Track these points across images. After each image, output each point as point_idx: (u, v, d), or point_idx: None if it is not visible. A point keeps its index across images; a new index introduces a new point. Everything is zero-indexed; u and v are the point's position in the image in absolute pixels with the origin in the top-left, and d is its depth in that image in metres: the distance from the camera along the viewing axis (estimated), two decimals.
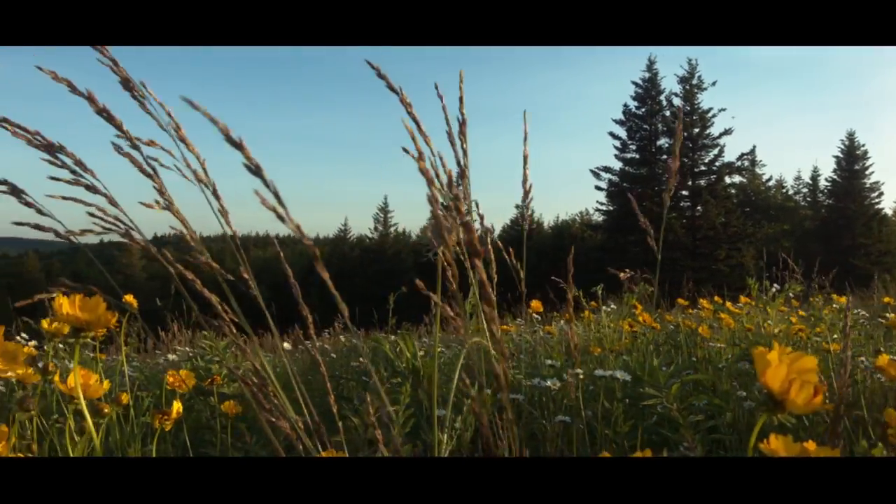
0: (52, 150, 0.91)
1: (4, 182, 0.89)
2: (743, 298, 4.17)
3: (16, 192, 0.90)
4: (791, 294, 3.80)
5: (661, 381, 1.99)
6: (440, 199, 0.86)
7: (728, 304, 4.12)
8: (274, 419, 0.90)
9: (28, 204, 0.90)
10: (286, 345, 4.53)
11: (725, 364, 2.78)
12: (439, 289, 0.95)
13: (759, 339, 3.34)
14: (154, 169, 0.93)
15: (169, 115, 0.93)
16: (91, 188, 0.92)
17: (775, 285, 3.88)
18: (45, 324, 2.16)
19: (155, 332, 6.40)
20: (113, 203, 0.93)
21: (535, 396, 2.39)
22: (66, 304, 1.02)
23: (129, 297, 2.40)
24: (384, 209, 46.50)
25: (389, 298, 3.89)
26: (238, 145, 0.79)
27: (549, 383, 2.23)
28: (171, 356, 4.76)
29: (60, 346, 2.60)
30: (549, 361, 2.68)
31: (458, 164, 1.11)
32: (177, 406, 1.66)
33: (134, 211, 0.95)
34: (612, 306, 4.25)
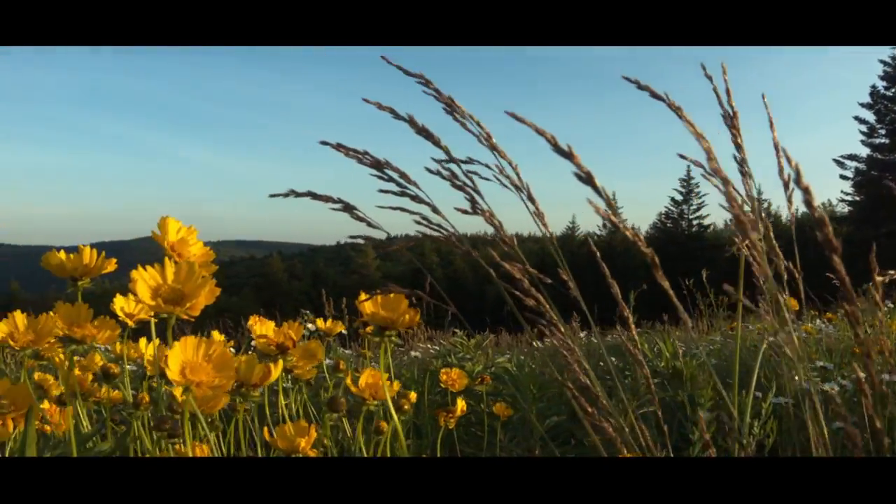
0: (379, 166, 0.96)
1: (339, 200, 0.94)
2: None
3: (348, 208, 0.95)
4: None
5: None
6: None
7: None
8: (598, 422, 0.88)
9: (359, 219, 0.95)
10: (536, 343, 4.55)
11: None
12: (741, 286, 0.91)
13: None
14: (472, 180, 0.95)
15: (479, 124, 0.95)
16: (416, 198, 0.95)
17: None
18: (319, 322, 2.27)
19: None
20: (436, 211, 0.96)
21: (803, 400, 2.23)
22: (369, 303, 1.06)
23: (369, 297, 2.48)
24: (612, 205, 45.72)
25: (630, 296, 3.82)
26: (567, 154, 0.78)
27: (827, 387, 2.09)
28: (413, 353, 4.86)
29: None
30: (819, 363, 2.52)
31: (735, 159, 1.05)
32: (461, 404, 1.69)
33: (452, 217, 0.94)
34: (890, 304, 3.93)
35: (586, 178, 0.78)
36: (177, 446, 1.07)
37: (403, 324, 1.06)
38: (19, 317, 1.16)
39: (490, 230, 1.01)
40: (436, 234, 0.96)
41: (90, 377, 1.32)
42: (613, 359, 3.34)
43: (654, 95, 0.96)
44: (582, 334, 5.20)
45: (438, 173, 0.95)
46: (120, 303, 1.27)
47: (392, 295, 1.04)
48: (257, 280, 60.06)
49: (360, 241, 0.97)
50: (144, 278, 0.93)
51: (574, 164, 0.78)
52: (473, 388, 2.44)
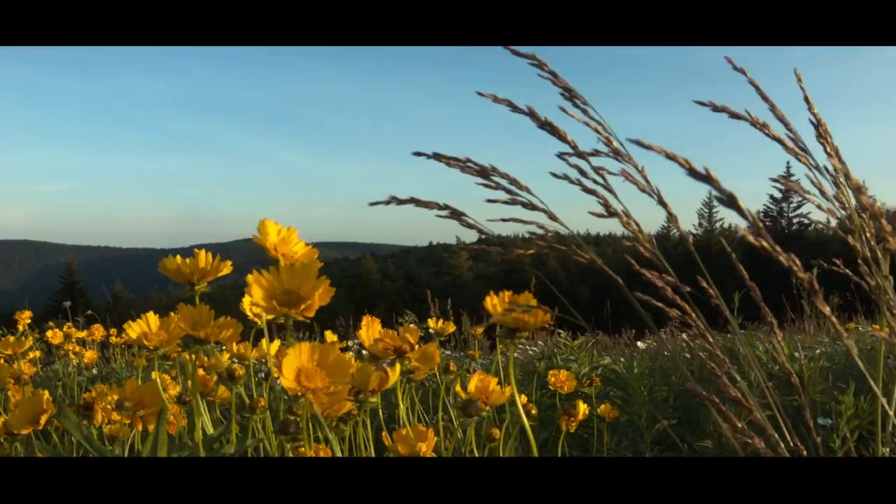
0: (485, 173, 0.92)
1: (446, 207, 0.91)
2: None
3: (456, 214, 0.91)
4: None
5: None
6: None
7: None
8: (749, 440, 0.84)
9: (469, 225, 0.91)
10: (640, 344, 4.49)
11: None
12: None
13: None
14: (604, 177, 0.91)
15: (597, 130, 0.92)
16: (528, 205, 0.91)
17: None
18: (431, 323, 2.27)
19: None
20: (553, 218, 0.91)
21: None
22: (498, 304, 1.05)
23: (492, 300, 2.47)
24: (708, 204, 44.91)
25: (734, 297, 3.71)
26: (706, 178, 0.75)
27: None
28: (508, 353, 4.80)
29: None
30: None
31: (826, 170, 0.99)
32: (583, 408, 1.67)
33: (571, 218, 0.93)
34: None
35: (729, 201, 0.75)
36: (300, 449, 1.08)
37: (535, 325, 1.04)
38: (152, 318, 1.20)
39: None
40: (555, 245, 0.91)
41: (214, 378, 1.36)
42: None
43: (734, 115, 0.91)
44: (683, 335, 5.10)
45: (566, 177, 0.91)
46: (248, 302, 1.30)
47: (524, 294, 1.02)
48: (351, 281, 60.65)
49: (475, 246, 0.94)
50: (259, 281, 0.93)
51: (715, 188, 0.75)
52: (581, 390, 2.41)
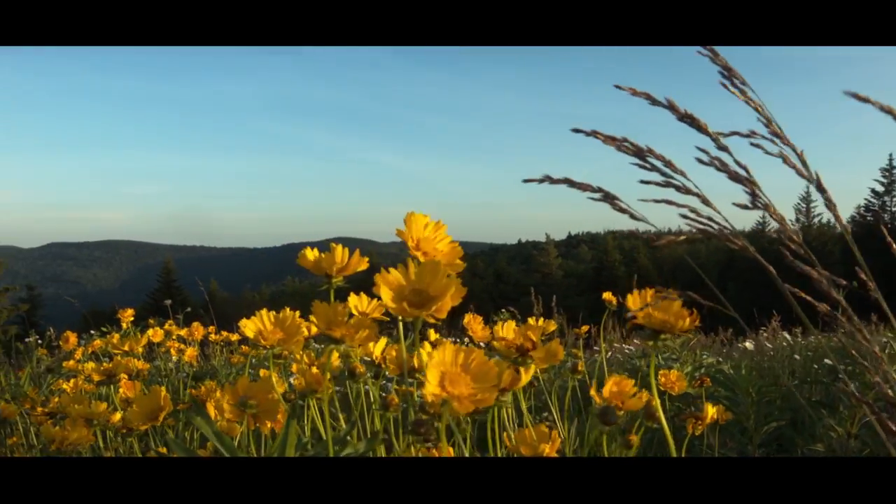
0: (640, 153, 0.88)
1: (599, 189, 0.88)
2: None
3: (608, 197, 0.88)
4: None
5: None
6: None
7: None
8: None
9: (622, 210, 0.87)
10: (748, 344, 4.36)
11: None
12: None
13: None
14: (747, 169, 0.86)
15: (757, 109, 0.87)
16: (682, 189, 0.87)
17: None
18: (531, 321, 2.22)
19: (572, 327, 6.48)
20: (706, 202, 0.87)
21: None
22: (637, 303, 0.99)
23: (608, 295, 2.41)
24: (806, 199, 43.60)
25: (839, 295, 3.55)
26: None
27: None
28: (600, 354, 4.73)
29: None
30: None
31: None
32: (711, 411, 1.62)
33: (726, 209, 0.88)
34: None
35: None
36: (433, 450, 1.04)
37: (682, 328, 0.97)
38: (266, 315, 1.17)
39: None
40: (704, 229, 0.86)
41: (328, 376, 1.33)
42: (828, 361, 3.14)
43: (862, 99, 0.84)
44: (787, 336, 4.93)
45: (713, 164, 0.86)
46: (353, 301, 1.27)
47: (672, 293, 0.95)
48: None
49: (623, 233, 0.89)
50: (387, 280, 0.90)
51: None
52: (689, 390, 2.34)
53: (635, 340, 5.68)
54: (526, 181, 0.88)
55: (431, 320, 0.88)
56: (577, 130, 0.89)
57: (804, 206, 43.63)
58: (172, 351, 3.47)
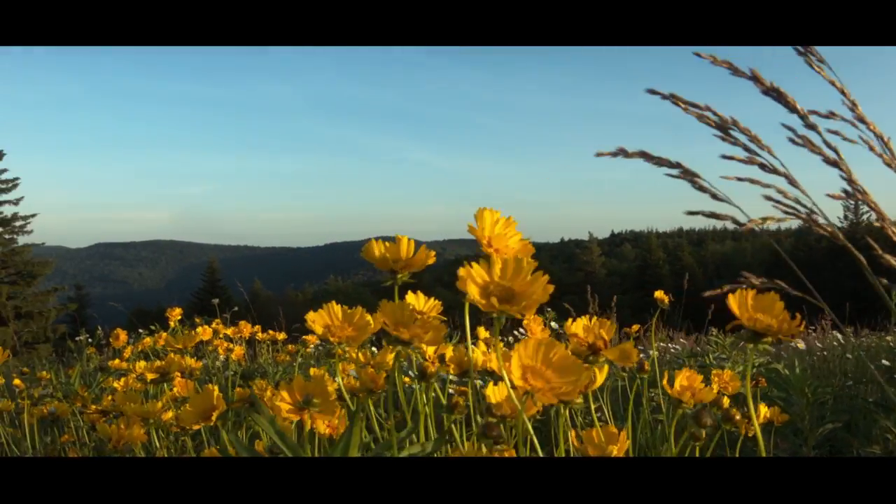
0: (724, 126, 0.83)
1: (678, 165, 0.83)
2: None
3: (688, 174, 0.83)
4: None
5: None
6: None
7: None
8: None
9: (702, 188, 0.82)
10: (800, 344, 4.26)
11: None
12: None
13: None
14: (837, 151, 0.81)
15: (842, 91, 0.81)
16: (767, 167, 0.81)
17: None
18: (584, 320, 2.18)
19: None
20: (793, 183, 0.81)
21: None
22: (736, 303, 0.94)
23: (660, 294, 2.36)
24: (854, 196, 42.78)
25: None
26: None
27: None
28: (651, 352, 4.65)
29: None
30: None
31: None
32: (765, 411, 1.58)
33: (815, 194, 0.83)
34: None
35: None
36: (505, 452, 1.01)
37: (784, 331, 0.92)
38: (336, 308, 1.12)
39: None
40: (790, 213, 0.81)
41: (383, 375, 1.30)
42: (885, 361, 3.07)
43: None
44: (839, 335, 4.82)
45: (806, 140, 0.80)
46: (410, 299, 1.23)
47: (770, 293, 0.90)
48: None
49: (704, 215, 0.84)
50: (472, 276, 0.86)
51: None
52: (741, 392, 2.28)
53: (681, 339, 5.62)
54: (598, 154, 0.85)
55: (518, 316, 0.86)
56: (653, 91, 0.86)
57: (852, 203, 42.93)
58: (220, 350, 3.48)
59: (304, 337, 3.76)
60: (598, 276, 52.94)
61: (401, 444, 1.12)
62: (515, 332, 4.16)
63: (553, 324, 3.56)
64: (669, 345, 5.04)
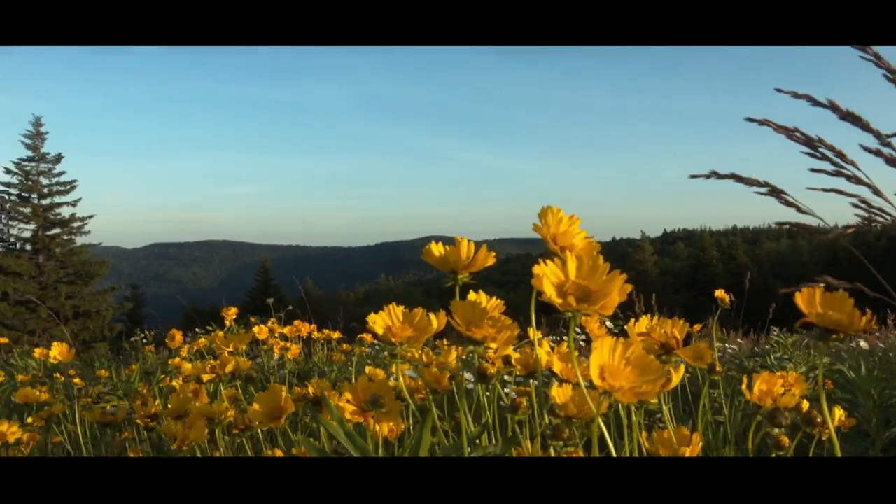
0: (811, 143, 0.87)
1: (766, 184, 0.85)
2: None
3: (775, 191, 0.88)
4: None
5: None
6: None
7: None
8: None
9: (788, 203, 0.86)
10: (863, 344, 4.17)
11: None
12: None
13: None
14: None
15: None
16: (852, 178, 0.83)
17: None
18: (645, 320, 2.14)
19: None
20: (877, 192, 0.83)
21: None
22: (804, 301, 0.91)
23: (721, 293, 2.33)
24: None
25: None
26: None
27: None
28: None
29: None
30: None
31: None
32: (839, 413, 1.54)
33: None
34: None
35: None
36: (574, 452, 1.00)
37: (857, 328, 0.89)
38: (396, 309, 1.11)
39: None
40: (875, 220, 0.82)
41: (446, 376, 1.29)
42: None
43: None
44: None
45: (880, 155, 0.83)
46: (473, 299, 1.21)
47: (840, 292, 0.87)
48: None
49: (790, 226, 0.85)
50: (547, 274, 0.85)
51: None
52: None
53: (738, 339, 5.53)
54: (693, 177, 0.90)
55: (596, 316, 0.85)
56: (750, 119, 0.89)
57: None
58: (276, 349, 3.51)
59: (359, 336, 3.78)
60: (650, 275, 52.49)
61: (466, 445, 1.10)
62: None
63: (608, 323, 3.53)
64: (726, 345, 4.97)
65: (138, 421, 1.90)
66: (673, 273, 56.02)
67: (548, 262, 0.85)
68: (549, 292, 0.83)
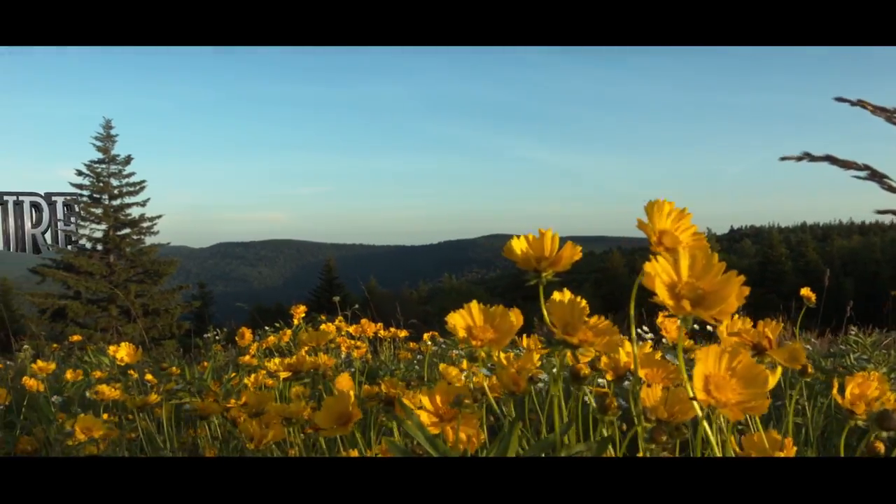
0: None
1: (866, 167, 0.77)
2: None
3: (875, 175, 0.79)
4: None
5: None
6: None
7: None
8: None
9: (891, 188, 0.78)
10: None
11: None
12: None
13: None
14: None
15: None
16: None
17: None
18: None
19: None
20: None
21: None
22: None
23: (806, 290, 2.25)
24: None
25: None
26: None
27: None
28: None
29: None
30: None
31: None
32: None
33: None
34: None
35: None
36: (665, 452, 0.95)
37: None
38: (475, 309, 1.03)
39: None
40: None
41: (525, 377, 1.25)
42: None
43: None
44: None
45: None
46: (559, 298, 1.14)
47: None
48: (597, 276, 60.51)
49: (892, 213, 0.78)
50: (659, 273, 0.78)
51: None
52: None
53: (812, 339, 5.37)
54: (783, 159, 0.81)
55: (711, 321, 0.78)
56: (840, 100, 0.82)
57: None
58: (343, 347, 3.51)
59: (432, 333, 3.77)
60: None
61: (550, 447, 1.07)
62: (639, 331, 4.04)
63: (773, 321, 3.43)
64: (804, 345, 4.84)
65: (234, 414, 1.89)
66: (740, 270, 55.12)
67: (659, 258, 0.79)
68: (662, 294, 0.77)
